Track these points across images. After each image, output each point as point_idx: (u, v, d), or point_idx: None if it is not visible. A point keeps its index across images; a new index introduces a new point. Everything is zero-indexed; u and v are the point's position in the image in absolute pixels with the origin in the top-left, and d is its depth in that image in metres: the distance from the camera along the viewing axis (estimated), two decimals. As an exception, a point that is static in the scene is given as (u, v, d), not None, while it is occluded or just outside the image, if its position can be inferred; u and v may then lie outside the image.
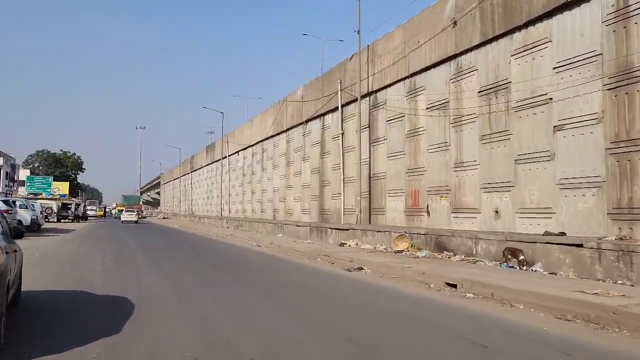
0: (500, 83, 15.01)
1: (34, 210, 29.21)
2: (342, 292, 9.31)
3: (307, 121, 29.75)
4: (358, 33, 21.75)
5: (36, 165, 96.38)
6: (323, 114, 27.59)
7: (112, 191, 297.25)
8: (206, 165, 60.14)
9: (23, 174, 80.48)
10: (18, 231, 8.39)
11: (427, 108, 18.44)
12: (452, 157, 17.04)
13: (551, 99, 13.20)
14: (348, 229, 19.46)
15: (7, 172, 74.04)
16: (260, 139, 38.62)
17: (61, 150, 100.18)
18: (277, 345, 5.31)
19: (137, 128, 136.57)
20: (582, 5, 12.49)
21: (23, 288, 7.61)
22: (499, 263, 11.81)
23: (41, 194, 57.27)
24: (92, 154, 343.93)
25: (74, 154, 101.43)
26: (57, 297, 8.02)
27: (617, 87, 11.59)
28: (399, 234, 15.68)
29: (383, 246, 16.46)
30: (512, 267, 11.17)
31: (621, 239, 10.12)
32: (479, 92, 15.84)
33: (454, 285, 9.07)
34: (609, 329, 6.18)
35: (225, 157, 48.59)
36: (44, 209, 45.94)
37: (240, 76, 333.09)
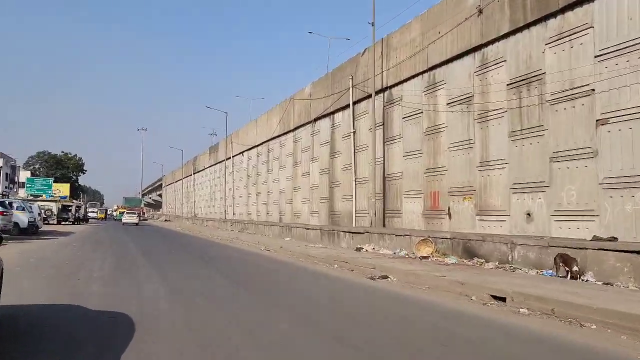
0: (532, 74, 13.84)
1: (31, 212, 28.04)
2: (377, 308, 8.14)
3: (315, 120, 28.61)
4: (372, 25, 20.60)
5: (37, 166, 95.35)
6: (333, 112, 26.45)
7: (114, 193, 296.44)
8: (209, 167, 59.02)
9: (23, 175, 79.47)
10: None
11: (448, 103, 17.27)
12: (476, 156, 15.87)
13: (593, 90, 12.04)
14: (363, 233, 18.28)
15: (7, 174, 72.99)
16: (266, 139, 37.49)
17: (62, 152, 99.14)
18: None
19: (138, 129, 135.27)
20: (630, -14, 11.34)
21: (6, 302, 6.44)
22: (540, 271, 10.62)
23: (41, 196, 56.32)
24: (94, 155, 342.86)
25: (75, 155, 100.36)
26: (45, 314, 6.84)
27: (673, 75, 10.43)
28: (422, 239, 14.50)
29: (403, 251, 15.28)
30: (558, 276, 9.98)
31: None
32: (507, 84, 14.68)
33: (502, 299, 7.89)
34: None
35: (229, 158, 47.46)
36: (43, 210, 44.93)
37: (243, 77, 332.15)
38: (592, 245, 9.79)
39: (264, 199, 37.91)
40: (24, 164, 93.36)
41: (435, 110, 18.03)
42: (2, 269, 6.12)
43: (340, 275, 12.04)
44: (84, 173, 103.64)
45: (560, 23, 13.00)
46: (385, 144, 21.23)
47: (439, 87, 17.84)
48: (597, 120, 11.94)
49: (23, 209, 27.33)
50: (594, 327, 6.34)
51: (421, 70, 18.79)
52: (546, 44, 13.42)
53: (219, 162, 53.09)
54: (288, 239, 25.52)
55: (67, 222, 48.51)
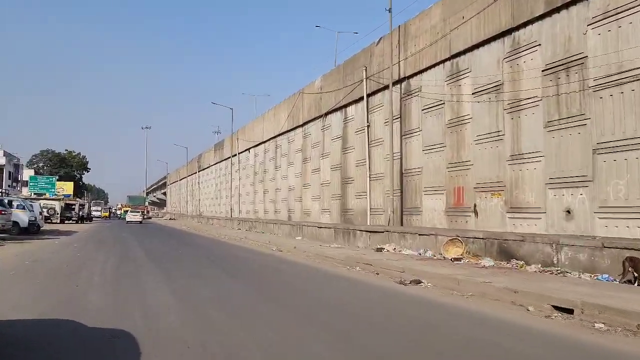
0: (572, 58, 12.65)
1: (32, 211, 27.03)
2: (420, 320, 7.00)
3: (326, 114, 27.45)
4: (389, 11, 19.47)
5: (40, 165, 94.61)
6: (345, 106, 25.29)
7: (118, 192, 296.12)
8: (214, 164, 57.96)
9: (27, 174, 78.66)
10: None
11: (473, 93, 16.10)
12: (507, 148, 14.70)
13: (646, 73, 10.84)
14: (382, 232, 17.14)
15: (10, 172, 72.11)
16: (274, 135, 36.37)
17: (66, 150, 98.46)
18: None
19: (142, 128, 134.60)
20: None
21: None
22: (594, 276, 9.46)
23: (45, 194, 55.50)
24: (98, 154, 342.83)
25: (79, 153, 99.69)
26: (31, 332, 5.73)
27: None
28: (450, 238, 13.35)
29: (429, 252, 14.14)
30: (623, 281, 8.81)
31: None
32: (543, 70, 13.49)
33: (569, 311, 6.74)
34: None
35: (235, 154, 46.38)
36: (46, 209, 44.03)
37: (249, 74, 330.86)
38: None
39: (272, 197, 36.81)
40: (28, 162, 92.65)
41: (458, 100, 16.86)
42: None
43: (365, 279, 10.90)
44: (87, 171, 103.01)
45: (606, 1, 11.80)
46: (403, 137, 20.06)
47: (463, 76, 16.66)
48: (650, 107, 10.77)
49: (23, 208, 26.34)
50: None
51: (443, 59, 17.61)
52: (588, 25, 12.22)
53: (225, 159, 52.03)
54: (299, 238, 24.41)
55: (70, 221, 47.59)
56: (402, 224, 19.56)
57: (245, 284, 10.11)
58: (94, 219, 63.41)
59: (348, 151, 24.93)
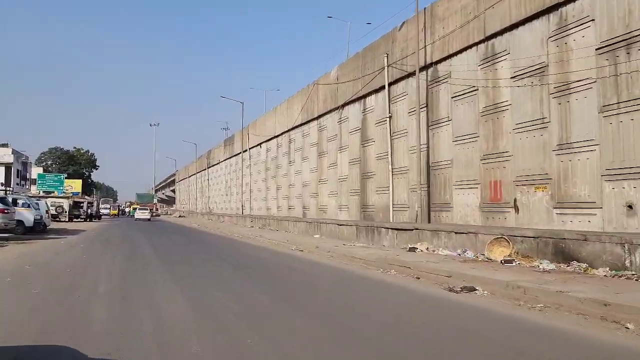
0: (634, 34, 11.22)
1: (37, 209, 25.92)
2: (494, 343, 5.66)
3: (343, 105, 26.09)
4: (416, -8, 18.03)
5: (49, 162, 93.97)
6: (364, 96, 23.92)
7: (127, 189, 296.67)
8: (224, 160, 56.80)
9: (36, 172, 77.92)
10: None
11: (512, 77, 14.69)
12: (553, 137, 13.30)
13: None
14: (411, 229, 15.79)
15: (18, 170, 71.29)
16: (287, 129, 35.06)
17: (74, 148, 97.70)
18: None
19: (151, 125, 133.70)
20: None
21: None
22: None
23: (53, 192, 54.65)
24: (107, 152, 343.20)
25: (87, 151, 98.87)
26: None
27: None
28: (495, 237, 11.97)
29: (468, 252, 12.78)
30: None
31: None
32: (597, 49, 12.06)
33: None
34: None
35: (246, 150, 45.14)
36: (54, 207, 43.08)
37: (258, 69, 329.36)
38: None
39: (285, 193, 35.53)
40: (37, 160, 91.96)
41: (495, 86, 15.46)
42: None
43: (406, 284, 9.57)
44: (96, 169, 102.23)
45: (676, -34, 10.37)
46: (430, 128, 18.68)
47: (500, 59, 15.25)
48: None
49: (29, 206, 25.22)
50: None
51: (476, 41, 16.21)
52: (654, -5, 10.79)
53: (235, 155, 50.84)
54: (317, 236, 23.12)
55: (79, 219, 46.60)
56: (429, 221, 18.21)
57: (269, 291, 8.81)
58: (102, 217, 62.46)
59: (368, 144, 23.58)
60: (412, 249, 13.92)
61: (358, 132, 24.55)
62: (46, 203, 31.34)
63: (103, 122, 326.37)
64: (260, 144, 41.71)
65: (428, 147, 18.67)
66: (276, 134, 37.58)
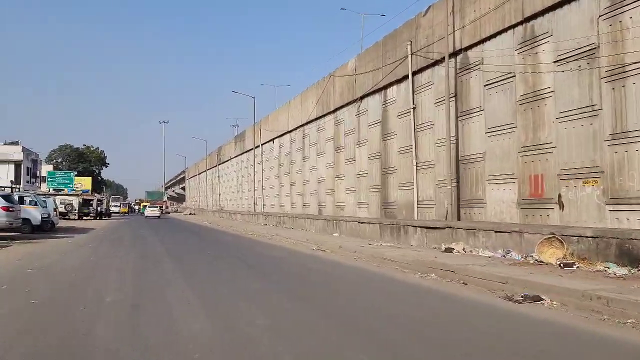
0: None
1: (45, 207, 25.02)
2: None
3: (362, 97, 24.87)
4: (445, -28, 16.75)
5: (59, 160, 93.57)
6: (384, 87, 22.69)
7: (137, 187, 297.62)
8: (235, 157, 55.79)
9: (46, 169, 77.48)
10: None
11: (556, 61, 13.41)
12: (605, 126, 12.03)
13: None
14: (443, 228, 14.59)
15: (28, 168, 70.80)
16: (301, 123, 33.90)
17: (84, 145, 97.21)
18: None
19: (160, 122, 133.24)
20: None
21: None
22: None
23: (63, 190, 54.04)
24: (117, 150, 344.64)
25: (97, 148, 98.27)
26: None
27: None
28: (546, 237, 10.74)
29: (512, 253, 11.56)
30: None
31: None
32: (660, 26, 10.77)
33: None
34: None
35: (258, 146, 44.06)
36: (64, 205, 42.37)
37: (268, 64, 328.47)
38: None
39: (299, 189, 34.40)
40: (47, 158, 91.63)
41: (535, 71, 14.19)
42: None
43: (455, 292, 8.38)
44: (106, 166, 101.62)
45: None
46: (459, 119, 17.44)
47: (541, 41, 13.97)
48: None
49: (36, 204, 24.34)
50: None
51: (513, 24, 14.93)
52: None
53: (246, 152, 49.79)
54: (336, 234, 21.98)
55: (88, 217, 45.83)
56: (459, 219, 16.99)
57: (303, 302, 7.68)
58: (112, 214, 61.78)
59: (389, 137, 22.35)
60: (448, 250, 12.71)
61: (378, 125, 23.34)
62: (54, 201, 30.46)
63: (113, 120, 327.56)
64: (273, 139, 40.61)
65: (457, 139, 17.44)
66: (289, 129, 36.44)
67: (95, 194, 61.42)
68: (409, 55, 20.17)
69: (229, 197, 60.04)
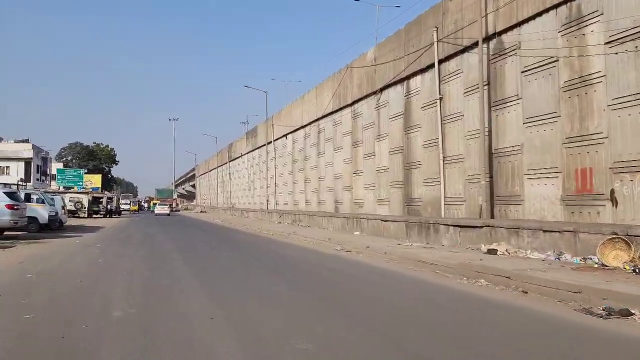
0: None
1: (52, 204, 24.08)
2: None
3: (382, 89, 23.65)
4: (478, -51, 15.50)
5: (69, 158, 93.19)
6: (407, 77, 21.47)
7: (147, 185, 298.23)
8: (247, 153, 54.76)
9: (56, 167, 77.03)
10: None
11: (607, 42, 12.14)
12: (668, 112, 10.75)
13: None
14: (481, 226, 13.36)
15: (38, 166, 70.35)
16: (316, 118, 32.72)
17: (94, 143, 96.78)
18: None
19: (170, 120, 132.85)
20: None
21: None
22: None
23: (73, 188, 53.41)
24: (127, 147, 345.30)
25: (107, 145, 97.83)
26: None
27: None
28: (608, 238, 9.49)
29: (566, 255, 10.33)
30: None
31: None
32: None
33: None
34: None
35: (271, 141, 42.95)
36: (73, 203, 41.58)
37: (279, 60, 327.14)
38: None
39: (314, 186, 33.25)
40: (56, 155, 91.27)
41: (582, 55, 12.91)
42: None
43: (519, 303, 7.18)
44: (116, 164, 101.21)
45: None
46: (493, 109, 16.19)
47: (589, 21, 12.70)
48: None
49: (43, 202, 23.39)
50: None
51: (555, 3, 13.67)
52: None
53: (258, 148, 48.73)
54: (357, 233, 20.81)
55: (98, 215, 45.01)
56: (492, 216, 15.77)
57: (333, 309, 6.53)
58: (122, 212, 61.03)
59: (412, 130, 21.13)
60: (492, 251, 11.47)
61: (400, 118, 22.12)
62: (62, 198, 29.51)
63: (123, 118, 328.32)
64: (286, 135, 39.47)
65: (490, 131, 16.20)
66: (304, 124, 35.27)
67: (105, 192, 60.70)
68: (435, 43, 18.94)
69: (240, 194, 59.06)
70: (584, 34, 12.89)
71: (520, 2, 14.88)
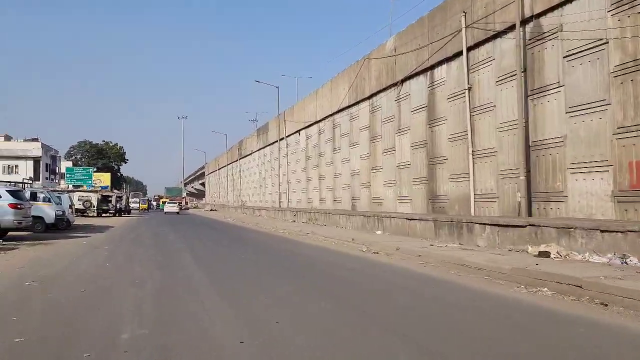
0: None
1: (59, 203, 23.12)
2: None
3: (403, 80, 22.42)
4: None
5: (78, 156, 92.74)
6: (431, 67, 20.24)
7: (156, 183, 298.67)
8: (257, 150, 53.69)
9: (65, 166, 76.54)
10: None
11: (670, 20, 10.86)
12: None
13: None
14: (524, 225, 12.13)
15: (47, 164, 69.81)
16: (330, 113, 31.54)
17: (103, 141, 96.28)
18: None
19: (179, 118, 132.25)
20: None
21: None
22: None
23: (82, 186, 52.67)
24: (136, 146, 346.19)
25: (116, 144, 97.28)
26: None
27: None
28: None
29: (633, 258, 9.09)
30: None
31: None
32: None
33: None
34: None
35: (283, 138, 41.83)
36: (82, 202, 40.79)
37: (290, 56, 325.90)
38: None
39: (329, 184, 32.09)
40: (66, 154, 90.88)
41: (636, 35, 11.63)
42: None
43: (606, 321, 5.98)
44: (125, 162, 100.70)
45: None
46: (530, 98, 14.95)
47: (648, -3, 11.42)
48: None
49: (49, 200, 22.45)
50: None
51: (604, -20, 12.40)
52: None
53: (270, 145, 47.63)
54: (379, 232, 19.64)
55: (107, 214, 44.16)
56: (530, 214, 14.55)
57: (385, 328, 5.39)
58: (132, 211, 60.24)
59: (437, 123, 19.91)
60: (544, 254, 10.23)
61: (423, 111, 20.90)
62: (70, 197, 28.57)
63: (132, 116, 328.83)
64: (299, 131, 38.32)
65: (527, 122, 14.94)
66: (317, 119, 34.09)
67: (115, 190, 59.98)
68: (463, 29, 17.70)
69: (251, 192, 58.04)
70: (639, 12, 11.62)
71: (562, -19, 13.62)
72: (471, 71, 17.69)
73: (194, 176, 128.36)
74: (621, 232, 9.68)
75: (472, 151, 17.47)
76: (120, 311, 6.39)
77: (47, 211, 21.78)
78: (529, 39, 14.98)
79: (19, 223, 16.93)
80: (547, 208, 14.30)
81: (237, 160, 64.61)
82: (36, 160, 66.31)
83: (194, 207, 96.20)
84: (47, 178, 68.15)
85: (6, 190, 17.29)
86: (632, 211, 11.65)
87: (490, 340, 5.18)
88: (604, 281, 7.12)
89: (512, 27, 15.26)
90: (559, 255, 10.32)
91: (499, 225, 13.09)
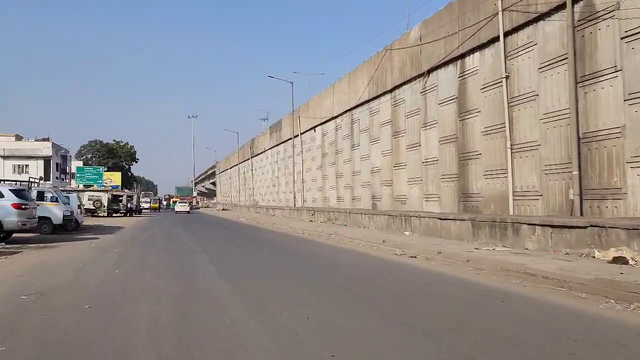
0: None
1: (67, 203, 22.02)
2: None
3: (429, 71, 21.01)
4: None
5: (89, 156, 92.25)
6: (461, 56, 18.84)
7: (167, 183, 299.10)
8: (270, 148, 52.45)
9: (76, 165, 75.93)
10: None
11: None
12: None
13: None
14: (584, 226, 10.72)
15: (57, 164, 69.15)
16: (348, 108, 30.17)
17: (114, 140, 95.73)
18: None
19: (189, 117, 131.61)
20: None
21: None
22: None
23: (92, 186, 51.86)
24: (146, 146, 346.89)
25: (127, 143, 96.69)
26: None
27: None
28: None
29: None
30: None
31: None
32: None
33: None
34: None
35: (297, 135, 40.54)
36: (92, 201, 39.87)
37: (290, 56, 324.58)
38: None
39: (348, 181, 30.73)
40: (76, 153, 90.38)
41: None
42: None
43: None
44: (136, 162, 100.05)
45: None
46: (579, 85, 13.51)
47: None
48: None
49: (57, 200, 21.34)
50: None
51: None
52: None
53: (283, 142, 46.35)
54: (407, 232, 18.30)
55: (118, 214, 43.18)
56: (581, 214, 13.12)
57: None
58: (143, 210, 59.34)
59: (468, 116, 18.50)
60: (619, 259, 8.83)
61: (453, 103, 19.49)
62: (78, 197, 27.51)
63: (142, 116, 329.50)
64: (314, 127, 37.00)
65: (577, 112, 13.51)
66: (334, 115, 32.75)
67: (125, 190, 59.16)
68: (500, 12, 16.29)
69: (264, 191, 56.84)
70: None
71: (620, -48, 12.18)
72: (509, 58, 16.28)
73: (204, 175, 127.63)
74: None
75: (511, 145, 16.06)
76: (130, 337, 5.12)
77: (55, 211, 20.68)
78: (578, 20, 13.54)
79: (23, 224, 15.79)
80: (601, 207, 12.88)
81: (249, 159, 63.47)
82: (46, 160, 65.67)
83: (205, 207, 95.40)
84: (57, 178, 67.47)
85: (9, 190, 16.16)
86: None
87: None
88: None
89: (557, 8, 13.87)
90: (634, 261, 8.92)
91: (552, 226, 11.68)
